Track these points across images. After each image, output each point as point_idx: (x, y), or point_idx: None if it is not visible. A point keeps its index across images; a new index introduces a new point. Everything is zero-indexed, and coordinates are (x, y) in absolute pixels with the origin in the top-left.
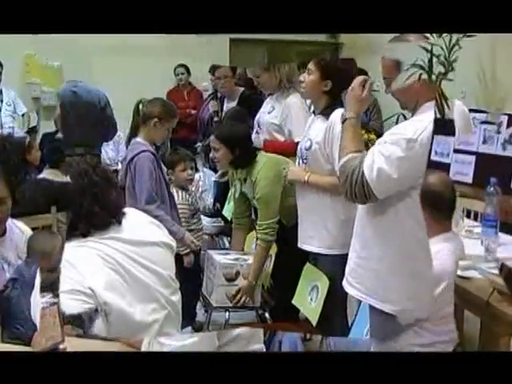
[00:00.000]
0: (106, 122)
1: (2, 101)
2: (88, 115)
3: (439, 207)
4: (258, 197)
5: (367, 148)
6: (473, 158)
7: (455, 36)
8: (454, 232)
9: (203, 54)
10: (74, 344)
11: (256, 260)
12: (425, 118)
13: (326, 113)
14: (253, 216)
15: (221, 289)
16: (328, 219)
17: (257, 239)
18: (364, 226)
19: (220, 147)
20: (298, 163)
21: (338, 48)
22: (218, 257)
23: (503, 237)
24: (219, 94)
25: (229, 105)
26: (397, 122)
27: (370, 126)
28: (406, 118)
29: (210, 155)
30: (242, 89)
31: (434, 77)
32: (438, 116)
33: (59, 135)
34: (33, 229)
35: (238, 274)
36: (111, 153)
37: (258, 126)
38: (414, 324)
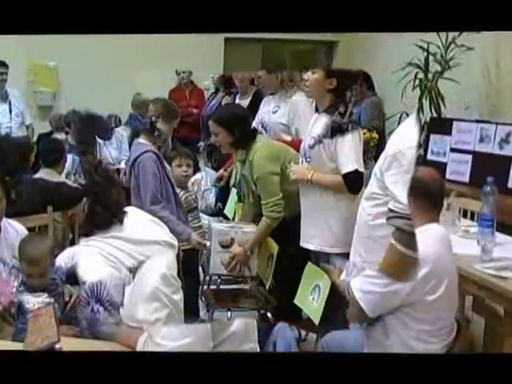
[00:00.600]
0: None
1: (7, 100)
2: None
3: (425, 198)
4: (256, 176)
5: (369, 147)
6: (469, 157)
7: (451, 34)
8: (439, 224)
9: (204, 53)
10: (69, 344)
11: (257, 232)
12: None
13: (329, 111)
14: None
15: (216, 255)
16: (330, 218)
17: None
18: (368, 230)
19: (219, 130)
20: (301, 161)
21: (332, 47)
22: (215, 224)
23: (500, 236)
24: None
25: (241, 101)
26: (399, 120)
27: (371, 124)
28: (408, 116)
29: (212, 139)
30: (255, 87)
31: (430, 75)
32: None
33: (55, 135)
34: (29, 229)
35: (232, 240)
36: (114, 152)
37: (262, 127)
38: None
